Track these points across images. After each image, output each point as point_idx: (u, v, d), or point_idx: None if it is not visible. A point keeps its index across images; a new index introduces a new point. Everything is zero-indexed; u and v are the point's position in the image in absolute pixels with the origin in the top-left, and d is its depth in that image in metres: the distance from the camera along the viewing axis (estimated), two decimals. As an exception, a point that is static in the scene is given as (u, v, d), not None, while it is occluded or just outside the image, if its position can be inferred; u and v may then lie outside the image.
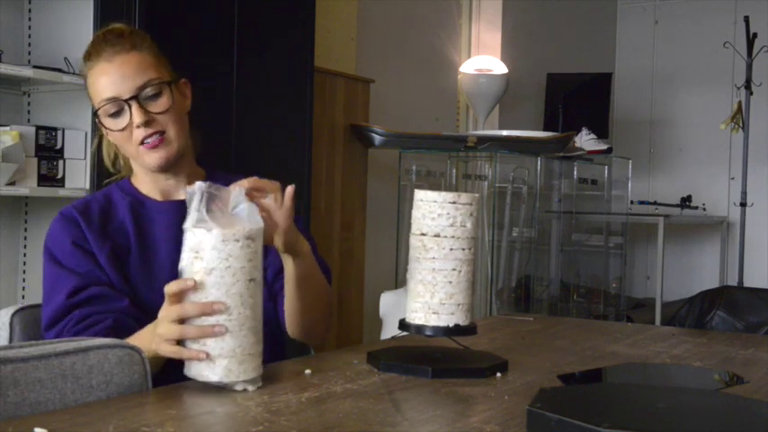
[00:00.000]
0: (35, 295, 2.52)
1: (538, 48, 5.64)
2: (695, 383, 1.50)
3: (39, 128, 2.60)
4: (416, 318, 1.38)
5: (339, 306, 3.98)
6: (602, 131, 5.22)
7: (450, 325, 1.37)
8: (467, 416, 1.17)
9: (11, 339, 1.56)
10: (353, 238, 4.14)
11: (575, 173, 5.01)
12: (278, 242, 1.41)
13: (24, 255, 2.77)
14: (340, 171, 4.05)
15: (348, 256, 4.10)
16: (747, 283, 5.33)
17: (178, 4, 2.89)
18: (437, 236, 1.36)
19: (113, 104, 1.52)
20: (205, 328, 1.20)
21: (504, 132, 4.50)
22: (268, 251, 1.61)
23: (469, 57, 5.15)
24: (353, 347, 1.64)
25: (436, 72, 4.99)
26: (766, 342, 1.89)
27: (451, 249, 1.36)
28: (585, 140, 4.88)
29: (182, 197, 1.40)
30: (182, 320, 1.23)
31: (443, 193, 1.37)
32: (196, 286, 1.20)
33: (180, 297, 1.23)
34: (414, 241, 1.39)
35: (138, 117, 1.52)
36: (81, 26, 2.57)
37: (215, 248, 1.20)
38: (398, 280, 4.24)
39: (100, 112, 1.54)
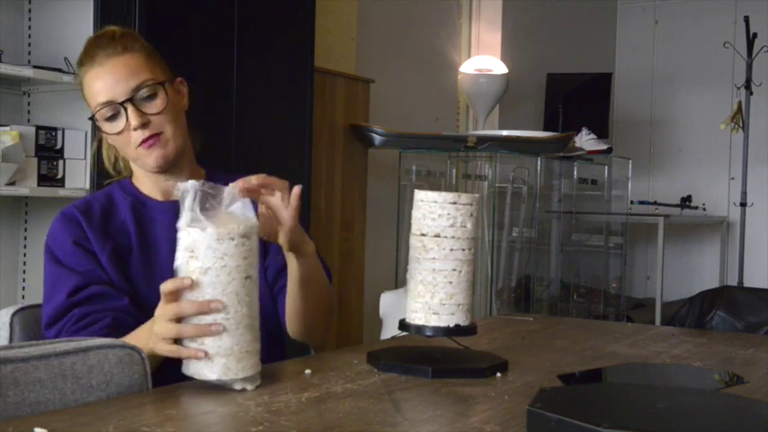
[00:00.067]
0: (35, 295, 2.52)
1: (538, 48, 5.63)
2: (695, 383, 1.50)
3: (39, 128, 2.60)
4: (416, 318, 1.38)
5: (339, 306, 3.98)
6: (602, 131, 5.22)
7: (451, 325, 1.37)
8: (467, 416, 1.17)
9: (11, 339, 1.56)
10: (353, 238, 4.14)
11: (575, 173, 5.00)
12: (283, 241, 1.41)
13: (24, 255, 2.77)
14: (340, 171, 4.05)
15: (348, 256, 4.10)
16: (747, 283, 5.33)
17: (178, 4, 2.89)
18: (437, 236, 1.36)
19: (109, 108, 1.53)
20: (202, 326, 1.20)
21: (504, 132, 4.50)
22: (268, 251, 1.62)
23: (469, 57, 5.15)
24: (353, 347, 1.64)
25: (436, 72, 4.99)
26: (766, 342, 1.88)
27: (452, 250, 1.36)
28: (585, 140, 4.87)
29: (181, 197, 1.39)
30: (178, 319, 1.23)
31: (444, 194, 1.37)
32: (192, 285, 1.21)
33: (176, 296, 1.23)
34: (414, 241, 1.39)
35: (134, 119, 1.52)
36: (81, 26, 2.56)
37: (210, 247, 1.20)
38: (398, 280, 4.23)
39: (97, 117, 1.55)
